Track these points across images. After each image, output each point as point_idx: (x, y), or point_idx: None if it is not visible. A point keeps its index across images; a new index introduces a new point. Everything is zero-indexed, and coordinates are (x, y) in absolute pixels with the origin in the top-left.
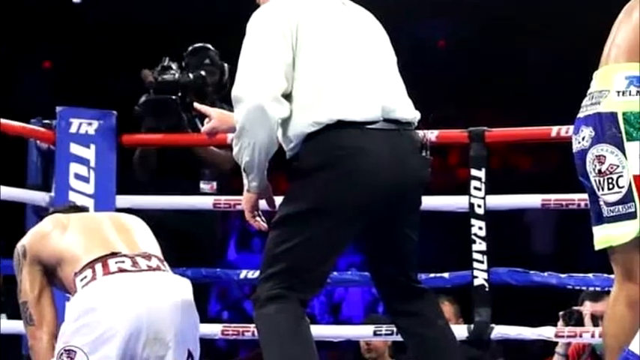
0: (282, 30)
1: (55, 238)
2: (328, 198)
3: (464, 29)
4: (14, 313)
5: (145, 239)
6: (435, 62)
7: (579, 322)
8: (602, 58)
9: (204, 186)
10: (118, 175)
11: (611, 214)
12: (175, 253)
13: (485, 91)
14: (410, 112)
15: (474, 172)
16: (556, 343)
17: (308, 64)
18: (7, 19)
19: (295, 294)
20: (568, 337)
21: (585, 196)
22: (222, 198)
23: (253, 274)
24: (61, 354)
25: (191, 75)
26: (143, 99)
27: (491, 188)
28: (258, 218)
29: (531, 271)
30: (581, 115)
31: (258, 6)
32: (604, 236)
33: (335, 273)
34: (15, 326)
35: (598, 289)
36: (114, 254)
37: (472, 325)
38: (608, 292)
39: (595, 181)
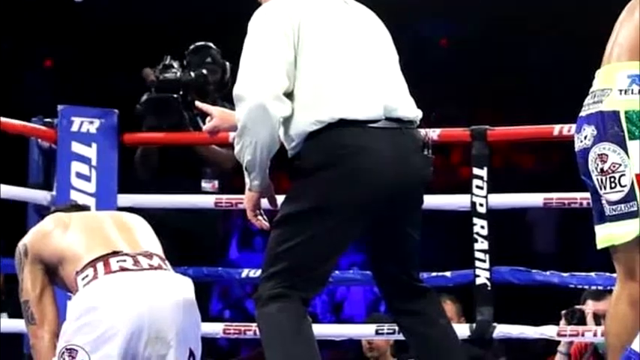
0: (284, 28)
1: (57, 237)
2: (330, 197)
3: (466, 28)
4: (15, 312)
5: (147, 238)
6: (437, 61)
7: (581, 321)
8: (605, 57)
9: (205, 185)
10: (120, 173)
11: (614, 212)
12: (177, 252)
13: (487, 90)
14: (412, 111)
15: (476, 170)
16: (558, 342)
17: (310, 62)
18: (9, 17)
19: (297, 293)
20: (570, 336)
21: (587, 195)
22: (224, 197)
23: (255, 273)
24: (63, 353)
25: (192, 73)
26: (145, 97)
27: (494, 187)
28: (260, 217)
29: (533, 270)
30: (583, 113)
31: (259, 4)
32: (606, 235)
33: (337, 272)
34: (16, 325)
35: (600, 287)
36: (115, 253)
37: (474, 324)
38: (611, 291)
39: (597, 179)
